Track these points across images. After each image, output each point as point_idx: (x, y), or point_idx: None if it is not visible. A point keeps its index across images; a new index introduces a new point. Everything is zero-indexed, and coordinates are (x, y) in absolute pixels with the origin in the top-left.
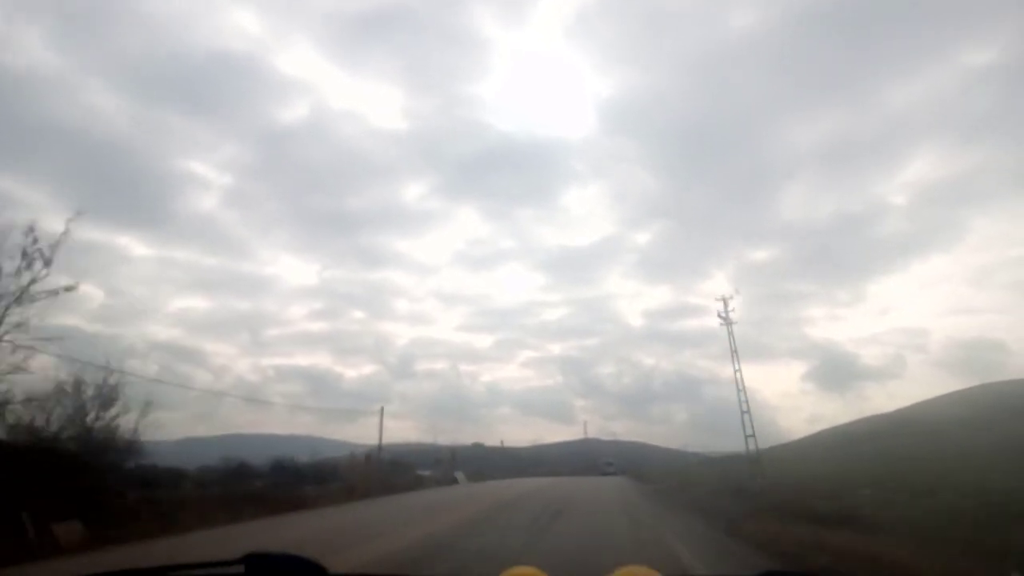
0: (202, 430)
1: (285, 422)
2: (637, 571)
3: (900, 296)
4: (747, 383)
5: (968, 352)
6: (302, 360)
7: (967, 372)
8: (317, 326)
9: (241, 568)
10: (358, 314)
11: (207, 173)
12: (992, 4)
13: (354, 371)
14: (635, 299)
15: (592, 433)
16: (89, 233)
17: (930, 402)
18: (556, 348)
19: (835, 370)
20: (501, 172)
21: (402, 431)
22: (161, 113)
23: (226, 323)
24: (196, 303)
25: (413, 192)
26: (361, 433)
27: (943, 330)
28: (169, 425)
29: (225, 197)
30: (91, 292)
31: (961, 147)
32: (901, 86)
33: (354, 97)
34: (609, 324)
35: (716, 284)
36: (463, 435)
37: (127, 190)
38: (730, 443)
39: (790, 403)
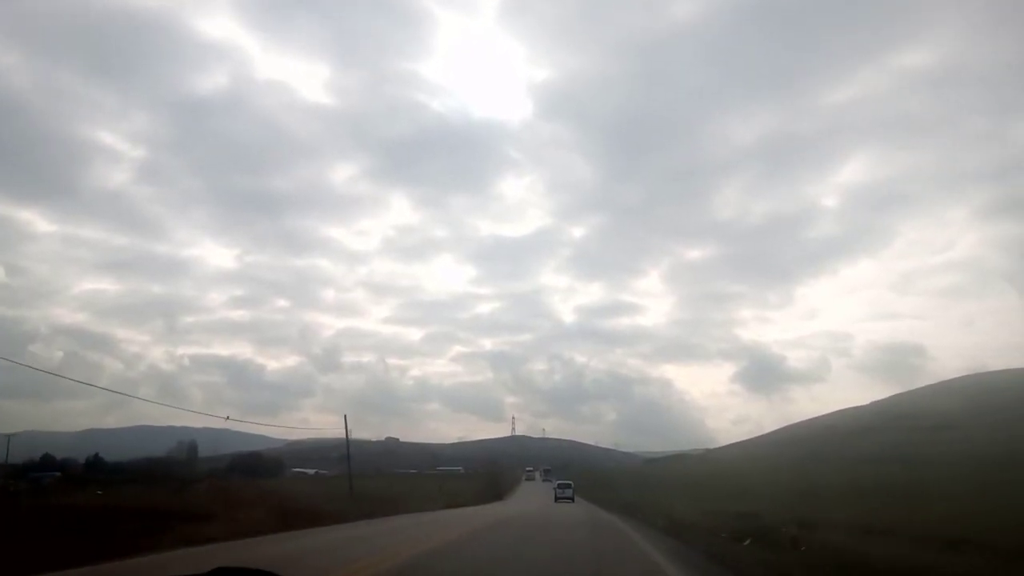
0: (111, 421)
1: (201, 415)
2: None
3: (827, 300)
4: (676, 384)
5: (889, 356)
6: (221, 350)
7: (888, 376)
8: (238, 314)
9: None
10: (282, 302)
11: (117, 144)
12: (928, 7)
13: (277, 362)
14: (568, 295)
15: (521, 431)
16: None
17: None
18: (487, 343)
19: (763, 372)
20: (435, 156)
21: (324, 425)
22: (64, 74)
23: (139, 308)
24: (105, 285)
25: (342, 174)
26: (284, 426)
27: (866, 334)
28: (71, 416)
29: (137, 171)
30: None
31: (893, 151)
32: (837, 87)
33: (278, 68)
34: (542, 320)
35: (650, 282)
36: (389, 430)
37: (27, 160)
38: (660, 443)
39: (718, 404)
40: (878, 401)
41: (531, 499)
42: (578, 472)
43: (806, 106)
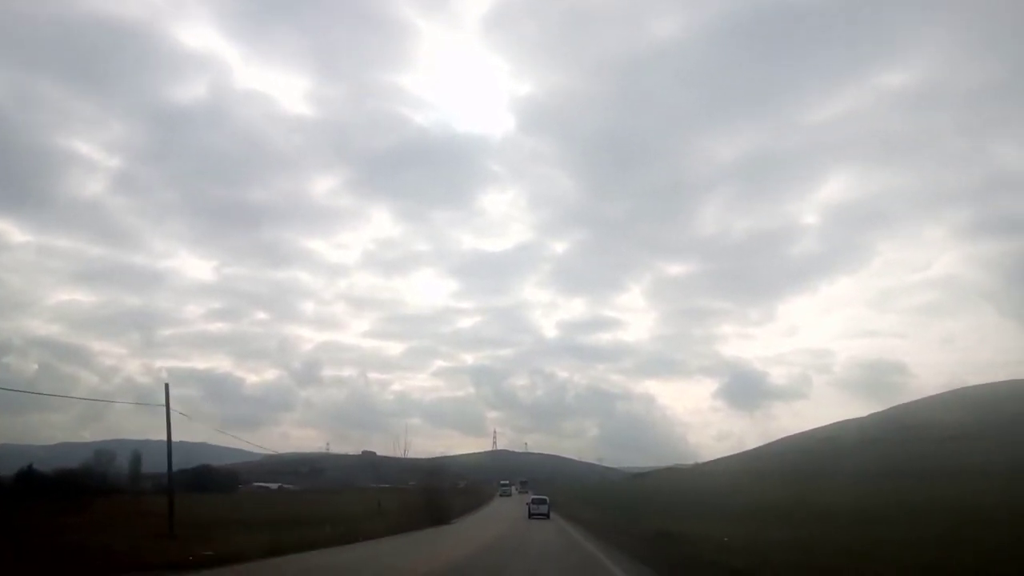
0: (86, 435)
1: (181, 429)
2: None
3: (808, 317)
4: (659, 400)
5: (869, 373)
6: (199, 363)
7: (869, 393)
8: (216, 327)
9: None
10: (261, 315)
11: (92, 154)
12: (908, 27)
13: (256, 376)
14: (550, 310)
15: (503, 445)
16: None
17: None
18: (469, 358)
19: (744, 388)
20: (416, 170)
21: (305, 439)
22: (39, 81)
23: (115, 320)
24: (81, 297)
25: (322, 187)
26: (263, 440)
27: (847, 351)
28: (47, 428)
29: (113, 182)
30: None
31: (873, 169)
32: (818, 106)
33: (258, 78)
34: (523, 335)
35: (632, 298)
36: (370, 445)
37: (2, 168)
38: (643, 458)
39: (700, 420)
40: (877, 413)
41: (489, 525)
42: (560, 486)
43: (787, 124)
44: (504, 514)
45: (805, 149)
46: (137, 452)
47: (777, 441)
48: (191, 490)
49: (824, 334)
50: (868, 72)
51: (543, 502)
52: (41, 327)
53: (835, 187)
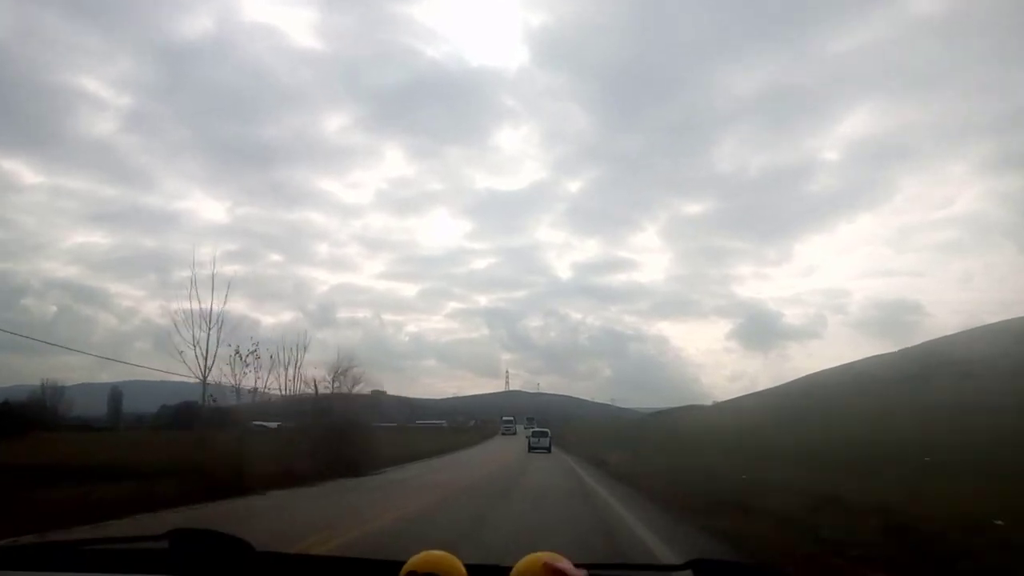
0: (104, 376)
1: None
2: (543, 556)
3: (825, 256)
4: (672, 341)
5: (886, 313)
6: (215, 304)
7: (884, 333)
8: (231, 268)
9: (165, 543)
10: (275, 257)
11: (101, 91)
12: None
13: (271, 318)
14: (564, 250)
15: (516, 386)
16: None
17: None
18: (483, 299)
19: (759, 329)
20: (429, 105)
21: (321, 381)
22: (45, 16)
23: (130, 262)
24: (96, 239)
25: (333, 123)
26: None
27: (864, 291)
28: (67, 370)
29: (124, 120)
30: None
31: (899, 102)
32: (842, 35)
33: (265, 10)
34: (538, 276)
35: (647, 237)
36: (386, 386)
37: (9, 107)
38: (657, 399)
39: (714, 361)
40: (908, 348)
41: (428, 488)
42: (574, 426)
43: (809, 55)
44: (489, 459)
45: (826, 81)
46: (117, 390)
47: (797, 380)
48: (171, 428)
49: (841, 274)
50: None
51: (544, 434)
52: (58, 269)
53: (857, 121)
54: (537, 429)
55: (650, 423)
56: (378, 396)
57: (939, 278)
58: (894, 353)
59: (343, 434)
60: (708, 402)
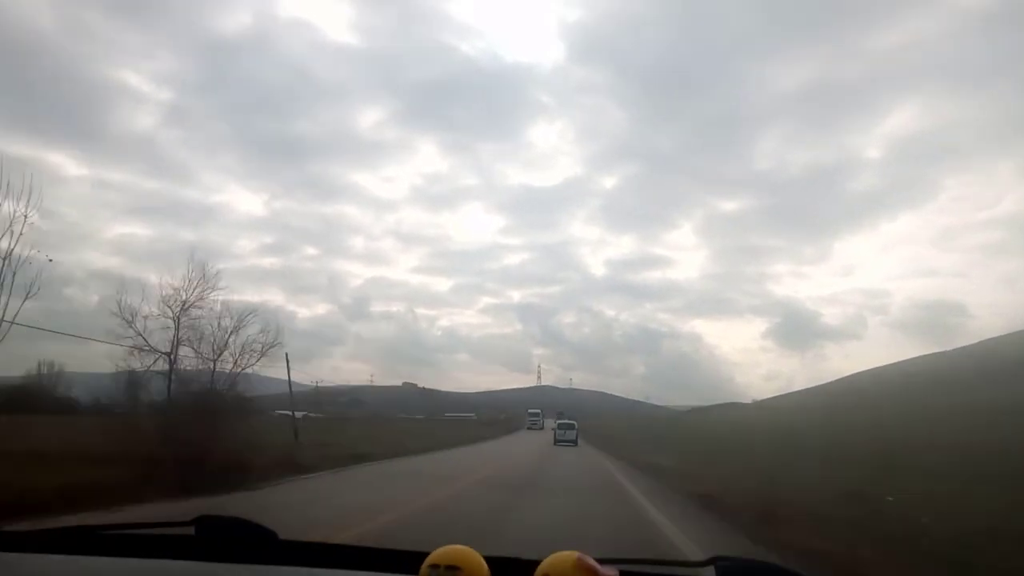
0: (140, 364)
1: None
2: (568, 556)
3: (866, 255)
4: (707, 339)
5: (928, 314)
6: (252, 296)
7: (926, 335)
8: (268, 261)
9: (191, 530)
10: (311, 250)
11: (143, 86)
12: None
13: (307, 310)
14: (598, 247)
15: (548, 382)
16: (16, 147)
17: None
18: (516, 295)
19: (796, 329)
20: (464, 101)
21: (355, 372)
22: (88, 12)
23: (170, 253)
24: (137, 230)
25: (369, 118)
26: (313, 372)
27: (905, 291)
28: (102, 359)
29: (164, 114)
30: (21, 213)
31: (944, 99)
32: (887, 28)
33: (302, 6)
34: (571, 272)
35: (682, 235)
36: (417, 379)
37: (54, 101)
38: (691, 397)
39: (749, 360)
40: (963, 347)
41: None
42: (609, 422)
43: (852, 50)
44: (504, 454)
45: (869, 77)
46: (133, 372)
47: (842, 379)
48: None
49: (882, 273)
50: None
51: (570, 427)
52: (100, 259)
53: (901, 118)
54: (563, 421)
55: (687, 421)
56: (409, 388)
57: (984, 279)
58: (948, 352)
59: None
60: (746, 400)
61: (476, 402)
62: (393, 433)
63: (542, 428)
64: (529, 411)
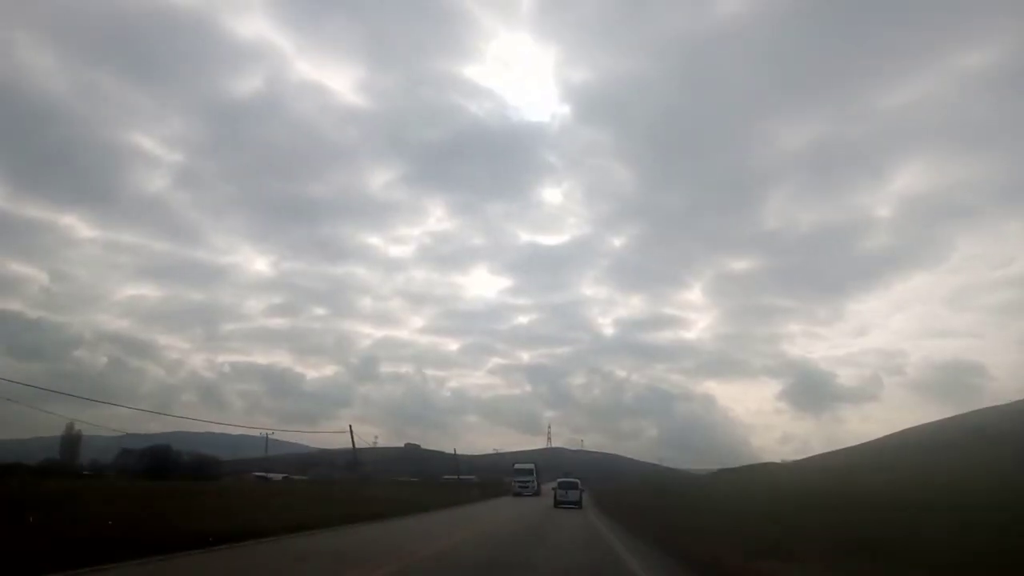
0: (153, 427)
1: (242, 422)
2: None
3: (879, 315)
4: (720, 401)
5: (946, 375)
6: (260, 358)
7: (944, 397)
8: (276, 322)
9: None
10: (319, 311)
11: (154, 148)
12: (992, 3)
13: (315, 371)
14: (608, 307)
15: (559, 444)
16: (29, 210)
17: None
18: (525, 355)
19: (810, 390)
20: (471, 161)
21: (362, 435)
22: (100, 76)
23: (179, 315)
24: (146, 291)
25: (378, 180)
26: (321, 436)
27: (920, 351)
28: (116, 420)
29: (175, 176)
30: (34, 275)
31: (952, 157)
32: (893, 89)
33: (312, 69)
34: (580, 332)
35: (693, 295)
36: (426, 440)
37: (68, 164)
38: (703, 460)
39: (763, 422)
40: (1020, 401)
41: None
42: (626, 485)
43: (859, 110)
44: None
45: (878, 136)
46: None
47: (897, 433)
48: (142, 477)
49: (897, 333)
50: (946, 52)
51: (572, 486)
52: (110, 321)
53: (910, 177)
54: (565, 479)
55: (719, 485)
56: (411, 450)
57: (1000, 339)
58: (1004, 406)
59: None
60: (768, 460)
61: (484, 464)
62: (363, 498)
63: (537, 493)
64: (516, 466)
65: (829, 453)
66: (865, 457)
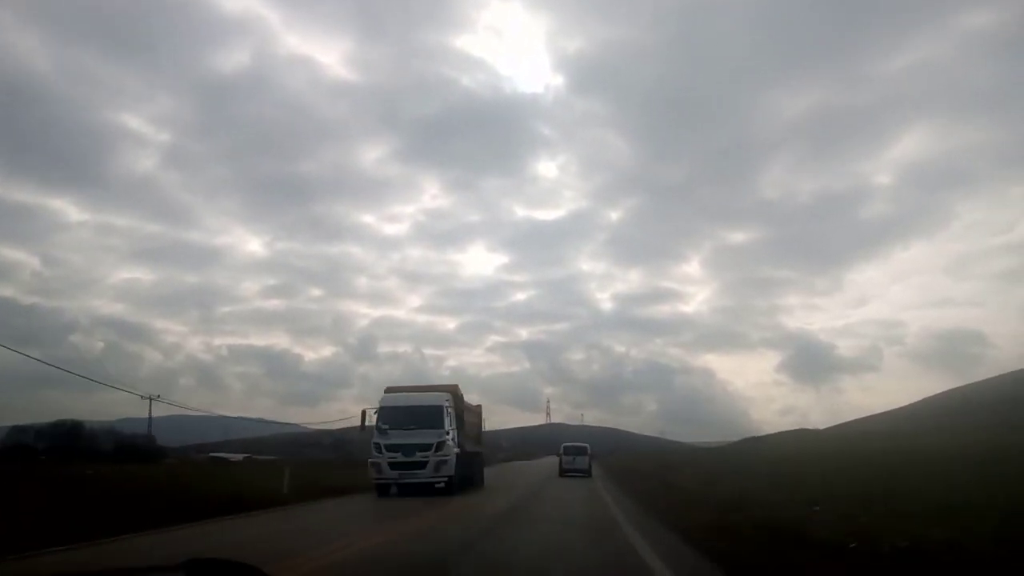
0: (156, 412)
1: (241, 405)
2: None
3: (878, 285)
4: (719, 374)
5: (946, 345)
6: (257, 340)
7: (945, 366)
8: (272, 303)
9: (182, 574)
10: (315, 291)
11: (142, 128)
12: None
13: (313, 352)
14: (606, 282)
15: (559, 419)
16: (16, 194)
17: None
18: (524, 332)
19: (810, 362)
20: (465, 135)
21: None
22: (86, 56)
23: (174, 298)
24: (140, 275)
25: (370, 156)
26: (320, 416)
27: (920, 321)
28: (115, 405)
29: (164, 157)
30: (25, 260)
31: (953, 123)
32: (892, 53)
33: (300, 43)
34: (578, 308)
35: (691, 268)
36: None
37: (56, 146)
38: (705, 433)
39: (763, 394)
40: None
41: None
42: (639, 455)
43: (859, 76)
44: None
45: (878, 102)
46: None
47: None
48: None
49: (896, 303)
50: (947, 13)
51: (581, 451)
52: (105, 306)
53: (910, 144)
54: (571, 444)
55: (744, 454)
56: None
57: (1002, 308)
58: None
59: None
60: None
61: (485, 441)
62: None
63: (588, 474)
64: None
65: (860, 419)
66: (901, 422)
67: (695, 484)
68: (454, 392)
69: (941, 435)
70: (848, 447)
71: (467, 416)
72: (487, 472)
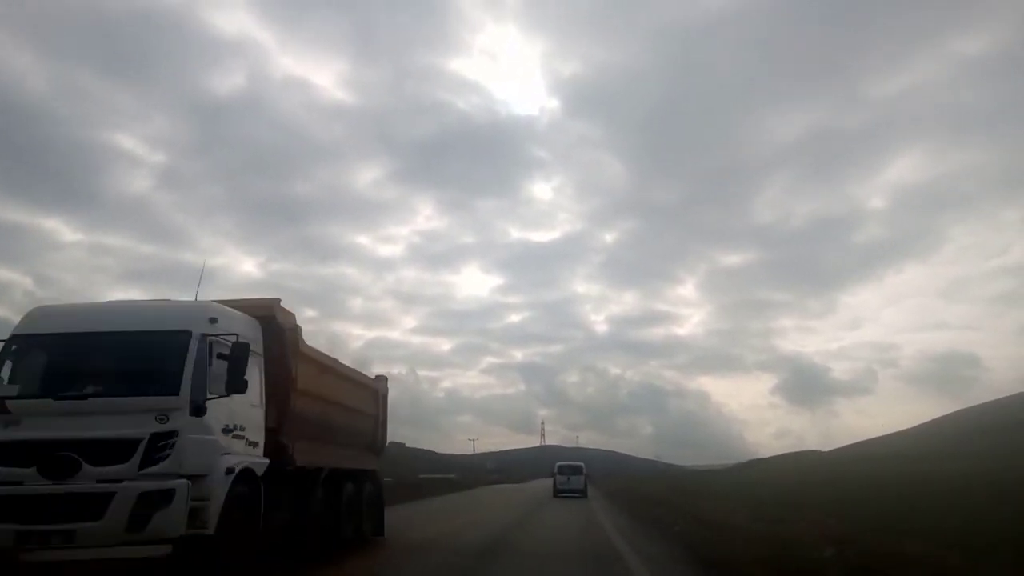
0: None
1: None
2: None
3: (872, 308)
4: (714, 396)
5: (940, 367)
6: None
7: (940, 389)
8: None
9: None
10: (310, 312)
11: (136, 149)
12: None
13: None
14: (601, 304)
15: (554, 441)
16: (10, 214)
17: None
18: (518, 354)
19: (804, 384)
20: (460, 157)
21: None
22: (80, 75)
23: None
24: (134, 295)
25: (365, 178)
26: None
27: (914, 344)
28: None
29: (159, 177)
30: (18, 280)
31: (947, 146)
32: (886, 77)
33: (296, 64)
34: (573, 330)
35: (686, 290)
36: (418, 441)
37: (47, 166)
38: (700, 456)
39: (758, 417)
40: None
41: None
42: (627, 479)
43: (853, 99)
44: None
45: (871, 125)
46: None
47: (932, 421)
48: None
49: (890, 326)
50: (940, 38)
51: (576, 471)
52: None
53: (904, 167)
54: (566, 463)
55: (759, 478)
56: (397, 448)
57: (996, 330)
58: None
59: None
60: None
61: (475, 463)
62: None
63: (584, 494)
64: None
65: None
66: (909, 444)
67: (744, 520)
68: (268, 318)
69: (968, 459)
70: (869, 469)
71: (322, 385)
72: (439, 505)
